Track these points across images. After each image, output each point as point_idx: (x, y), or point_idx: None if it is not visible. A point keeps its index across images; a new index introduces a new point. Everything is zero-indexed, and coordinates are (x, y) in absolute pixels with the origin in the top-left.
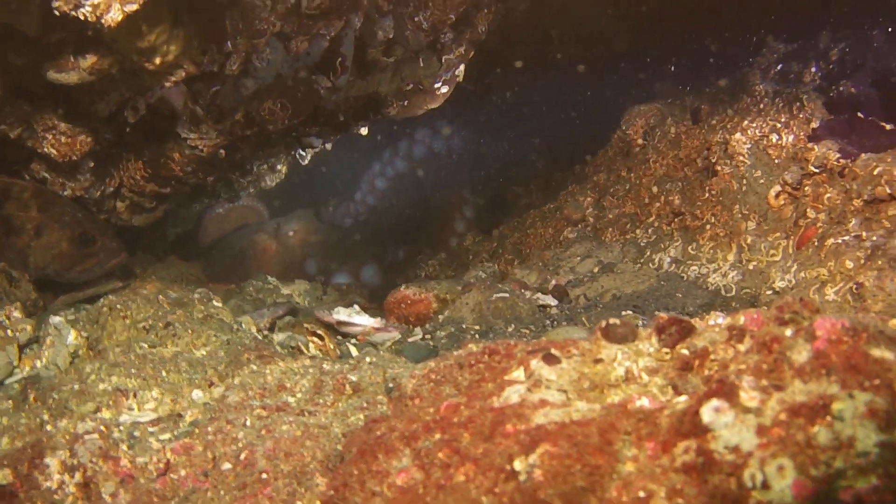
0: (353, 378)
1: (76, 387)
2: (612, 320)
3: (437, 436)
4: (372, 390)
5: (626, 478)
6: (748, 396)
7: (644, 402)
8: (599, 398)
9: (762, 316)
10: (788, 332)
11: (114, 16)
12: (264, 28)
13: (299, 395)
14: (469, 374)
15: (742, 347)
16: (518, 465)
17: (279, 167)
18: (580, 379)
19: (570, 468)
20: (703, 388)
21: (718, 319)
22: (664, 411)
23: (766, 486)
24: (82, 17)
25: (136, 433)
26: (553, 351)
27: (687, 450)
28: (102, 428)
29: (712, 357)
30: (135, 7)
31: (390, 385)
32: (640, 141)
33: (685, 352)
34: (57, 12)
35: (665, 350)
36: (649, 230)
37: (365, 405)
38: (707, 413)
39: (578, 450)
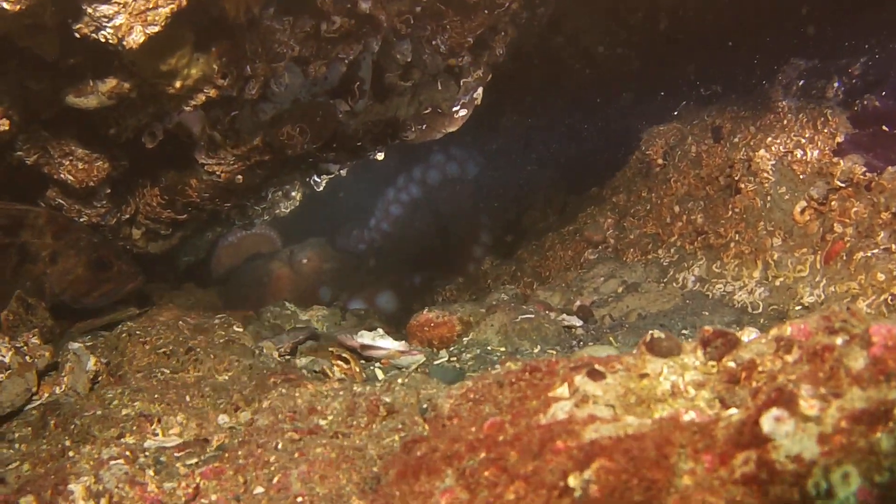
0: (387, 399)
1: (99, 412)
2: (655, 333)
3: (482, 455)
4: (407, 411)
5: (683, 491)
6: (808, 405)
7: (692, 416)
8: (647, 413)
9: (809, 326)
10: (839, 340)
11: (136, 38)
12: (283, 52)
13: (331, 418)
14: (510, 392)
15: (790, 358)
16: (572, 481)
17: (294, 193)
18: (626, 394)
19: (626, 483)
20: (751, 401)
21: (752, 335)
22: (719, 423)
23: (830, 494)
24: (103, 40)
25: (163, 458)
26: (597, 366)
27: (746, 461)
28: (128, 453)
29: (760, 369)
30: (157, 29)
31: (425, 406)
32: (660, 161)
33: (732, 364)
34: (77, 35)
35: (711, 363)
36: (672, 250)
37: (400, 426)
38: (767, 422)
39: (635, 464)
